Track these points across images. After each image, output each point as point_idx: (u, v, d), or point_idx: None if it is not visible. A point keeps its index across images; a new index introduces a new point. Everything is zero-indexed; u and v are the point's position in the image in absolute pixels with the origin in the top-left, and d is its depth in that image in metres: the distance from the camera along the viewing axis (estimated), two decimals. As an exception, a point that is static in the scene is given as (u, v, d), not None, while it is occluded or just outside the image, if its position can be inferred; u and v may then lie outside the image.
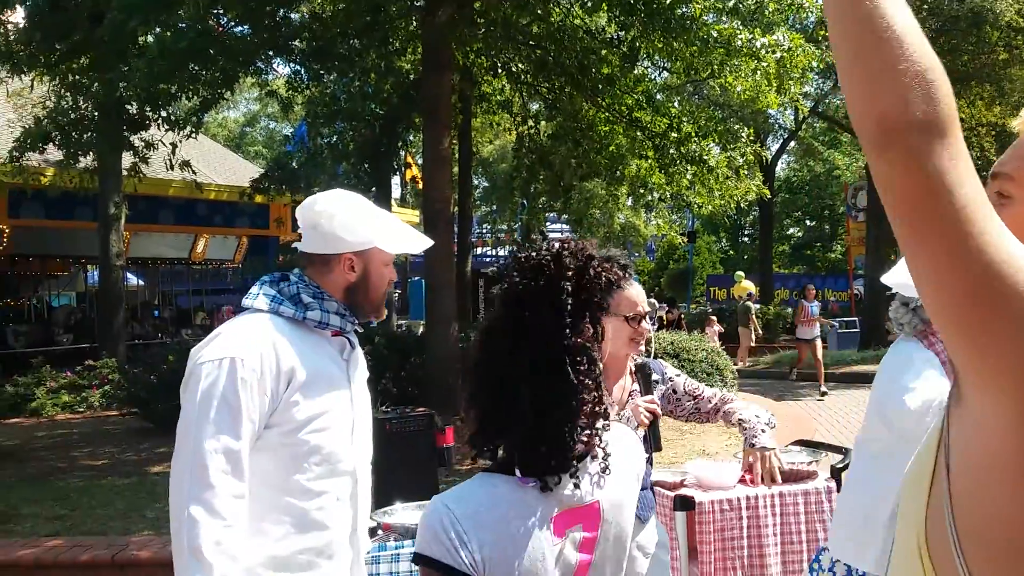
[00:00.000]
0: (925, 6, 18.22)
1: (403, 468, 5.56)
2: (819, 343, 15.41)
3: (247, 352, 2.05)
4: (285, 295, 2.22)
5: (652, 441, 3.02)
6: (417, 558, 1.42)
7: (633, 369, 3.18)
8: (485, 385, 1.46)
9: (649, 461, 2.92)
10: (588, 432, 1.46)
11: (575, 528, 1.45)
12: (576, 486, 1.46)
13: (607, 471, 1.49)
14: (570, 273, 1.44)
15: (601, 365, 1.48)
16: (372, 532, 3.52)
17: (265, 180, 12.21)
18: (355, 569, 2.30)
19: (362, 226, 2.26)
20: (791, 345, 22.54)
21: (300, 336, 2.17)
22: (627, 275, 2.76)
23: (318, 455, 2.14)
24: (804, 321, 15.40)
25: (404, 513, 3.60)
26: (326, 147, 12.35)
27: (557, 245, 1.47)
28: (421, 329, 13.89)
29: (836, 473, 4.21)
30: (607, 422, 1.50)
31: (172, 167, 10.57)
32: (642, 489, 1.63)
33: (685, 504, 3.74)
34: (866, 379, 16.14)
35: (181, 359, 4.94)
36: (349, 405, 2.25)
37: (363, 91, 12.05)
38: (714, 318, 20.38)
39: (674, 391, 3.24)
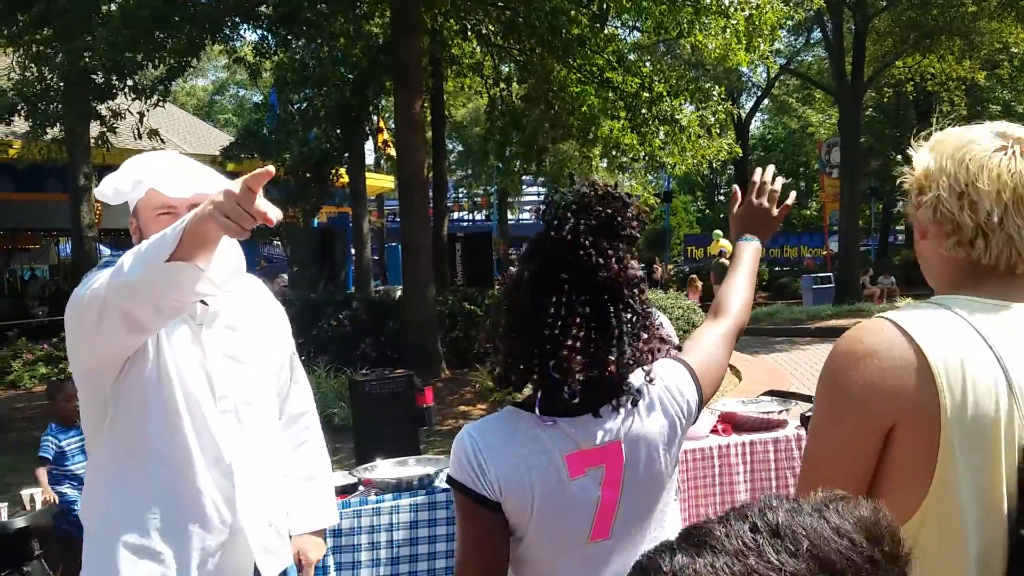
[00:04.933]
0: (894, -40, 18.23)
1: (384, 428, 5.64)
2: None
3: None
4: None
5: None
6: (449, 480, 1.52)
7: None
8: (513, 323, 1.50)
9: None
10: (613, 375, 1.46)
11: (597, 467, 1.50)
12: (596, 428, 1.50)
13: (633, 414, 1.52)
14: (604, 213, 1.47)
15: (644, 312, 1.50)
16: (353, 488, 3.60)
17: (236, 148, 12.12)
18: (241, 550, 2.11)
19: (115, 183, 2.10)
20: (767, 302, 22.81)
21: None
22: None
23: (165, 415, 2.03)
24: None
25: (384, 469, 3.67)
26: (296, 113, 12.27)
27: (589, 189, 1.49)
28: (399, 293, 13.94)
29: (805, 421, 4.32)
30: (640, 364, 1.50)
31: (140, 136, 10.46)
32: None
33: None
34: (840, 333, 16.25)
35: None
36: (200, 371, 2.07)
37: (332, 56, 11.95)
38: (695, 278, 20.34)
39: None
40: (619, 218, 1.47)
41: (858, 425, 1.28)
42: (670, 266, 28.64)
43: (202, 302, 2.11)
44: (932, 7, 19.04)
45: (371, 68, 12.10)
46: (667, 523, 1.59)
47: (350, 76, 12.27)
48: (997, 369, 1.24)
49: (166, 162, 2.15)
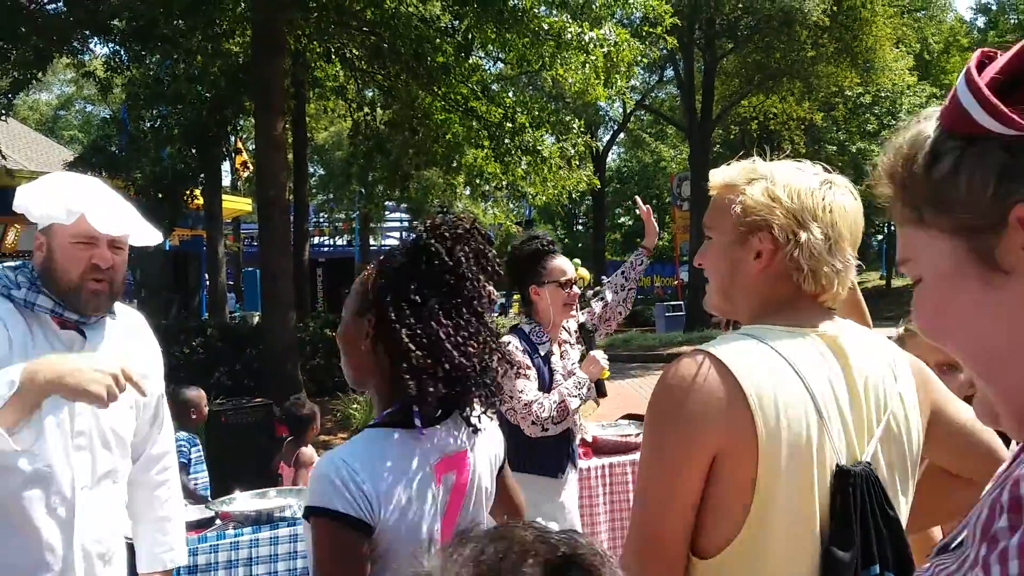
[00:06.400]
0: (740, 4, 19.34)
1: (241, 458, 5.48)
2: None
3: None
4: (10, 279, 2.05)
5: (600, 389, 3.30)
6: (315, 511, 1.44)
7: (576, 329, 3.47)
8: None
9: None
10: (466, 387, 1.58)
11: (450, 473, 1.57)
12: (453, 435, 1.60)
13: (477, 428, 1.64)
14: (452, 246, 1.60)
15: (491, 334, 1.61)
16: (210, 522, 3.48)
17: (81, 164, 11.53)
18: None
19: (43, 201, 2.01)
20: (623, 329, 23.49)
21: (15, 322, 2.00)
22: (551, 248, 3.28)
23: (24, 456, 1.92)
24: None
25: (243, 501, 3.57)
26: (149, 131, 11.79)
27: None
28: (256, 320, 13.56)
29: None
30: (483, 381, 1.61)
31: (-22, 151, 9.84)
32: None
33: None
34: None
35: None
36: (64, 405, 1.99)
37: (188, 73, 11.58)
38: None
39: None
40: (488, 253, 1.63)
41: (682, 456, 1.31)
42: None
43: (80, 332, 2.07)
44: (775, 51, 20.29)
45: (230, 87, 11.77)
46: None
47: (207, 95, 11.91)
48: (805, 395, 1.30)
49: (98, 192, 2.09)
